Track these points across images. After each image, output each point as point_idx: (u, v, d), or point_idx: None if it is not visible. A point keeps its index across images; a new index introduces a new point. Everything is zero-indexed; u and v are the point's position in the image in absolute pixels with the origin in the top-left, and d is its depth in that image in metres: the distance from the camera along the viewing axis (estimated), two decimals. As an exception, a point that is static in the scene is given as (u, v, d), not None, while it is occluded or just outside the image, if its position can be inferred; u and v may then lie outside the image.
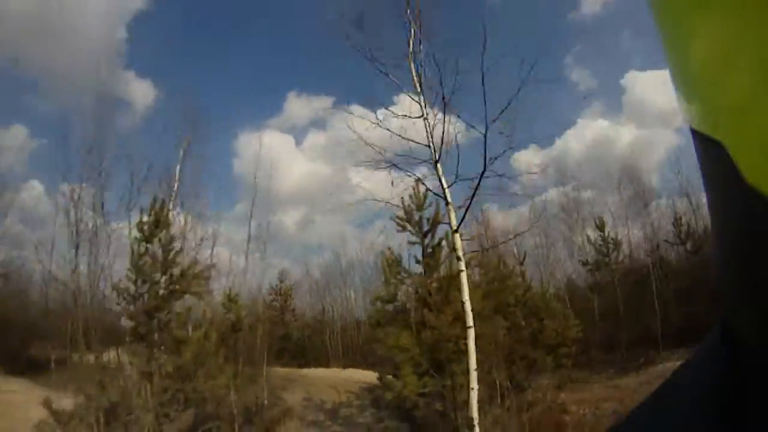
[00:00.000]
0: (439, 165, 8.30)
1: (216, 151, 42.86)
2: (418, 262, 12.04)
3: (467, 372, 7.82)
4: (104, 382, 10.26)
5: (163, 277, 11.26)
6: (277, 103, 52.45)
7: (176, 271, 11.37)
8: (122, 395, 10.13)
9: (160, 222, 11.72)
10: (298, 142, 43.44)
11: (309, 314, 24.06)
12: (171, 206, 12.65)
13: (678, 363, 0.41)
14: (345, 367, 18.36)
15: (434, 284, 11.65)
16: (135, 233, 11.66)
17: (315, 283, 24.85)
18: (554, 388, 13.79)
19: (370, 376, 14.04)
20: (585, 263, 22.12)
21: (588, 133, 36.04)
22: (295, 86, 45.17)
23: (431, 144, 8.34)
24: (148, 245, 11.46)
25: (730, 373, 0.31)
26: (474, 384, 7.66)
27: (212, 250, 14.91)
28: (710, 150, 0.28)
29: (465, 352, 7.93)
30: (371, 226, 48.16)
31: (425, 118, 8.42)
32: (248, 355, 13.69)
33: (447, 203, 8.44)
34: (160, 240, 11.64)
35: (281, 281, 21.91)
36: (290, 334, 20.37)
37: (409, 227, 12.01)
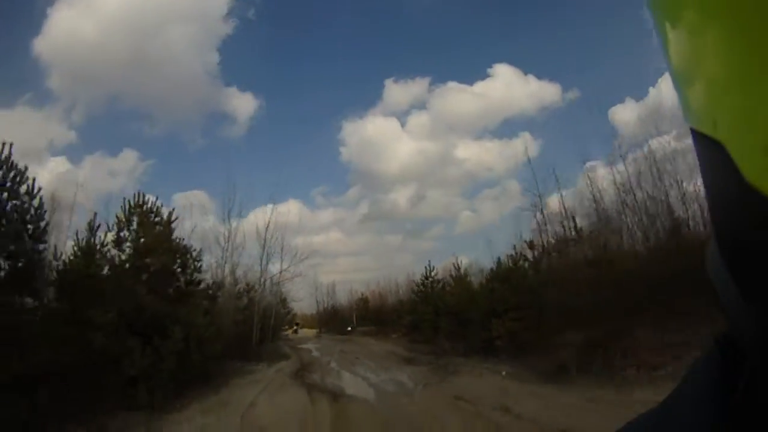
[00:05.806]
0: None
1: (325, 141, 46.00)
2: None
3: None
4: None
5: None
6: (376, 93, 54.36)
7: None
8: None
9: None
10: (403, 124, 43.33)
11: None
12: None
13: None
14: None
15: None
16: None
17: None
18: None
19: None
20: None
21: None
22: (391, 74, 45.29)
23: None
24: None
25: (731, 383, 0.30)
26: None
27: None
28: (710, 150, 0.27)
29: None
30: (479, 194, 47.75)
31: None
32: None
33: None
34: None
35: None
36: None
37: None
